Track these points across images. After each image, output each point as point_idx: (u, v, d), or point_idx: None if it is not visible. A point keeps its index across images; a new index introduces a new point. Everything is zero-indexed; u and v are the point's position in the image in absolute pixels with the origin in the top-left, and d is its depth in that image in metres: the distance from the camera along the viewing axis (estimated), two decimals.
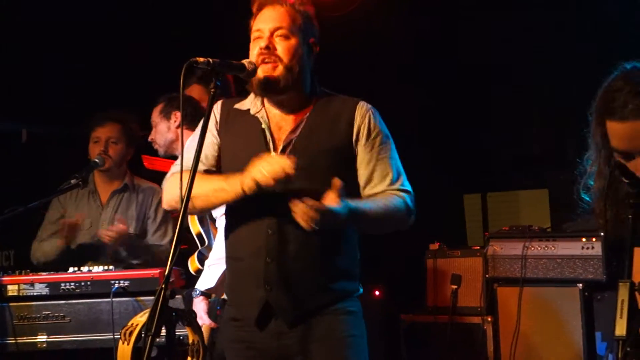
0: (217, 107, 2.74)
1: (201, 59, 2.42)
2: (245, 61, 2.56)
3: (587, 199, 2.14)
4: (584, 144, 5.10)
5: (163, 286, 2.19)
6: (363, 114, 2.61)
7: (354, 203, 2.47)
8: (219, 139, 2.70)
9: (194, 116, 3.97)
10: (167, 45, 5.28)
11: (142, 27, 5.37)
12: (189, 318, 2.39)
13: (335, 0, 5.41)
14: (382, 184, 2.60)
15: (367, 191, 2.61)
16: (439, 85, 5.56)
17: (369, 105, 2.66)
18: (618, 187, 1.99)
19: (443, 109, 5.60)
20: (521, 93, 5.39)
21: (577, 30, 5.16)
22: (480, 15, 5.41)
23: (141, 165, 4.45)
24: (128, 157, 4.49)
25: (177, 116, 3.97)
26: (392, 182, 2.60)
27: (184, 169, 2.30)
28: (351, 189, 2.56)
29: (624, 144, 1.94)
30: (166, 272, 2.22)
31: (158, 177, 4.61)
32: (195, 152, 2.35)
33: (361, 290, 2.68)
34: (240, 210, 2.62)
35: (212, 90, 2.45)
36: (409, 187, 2.64)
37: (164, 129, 4.02)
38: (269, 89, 2.58)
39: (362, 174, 2.61)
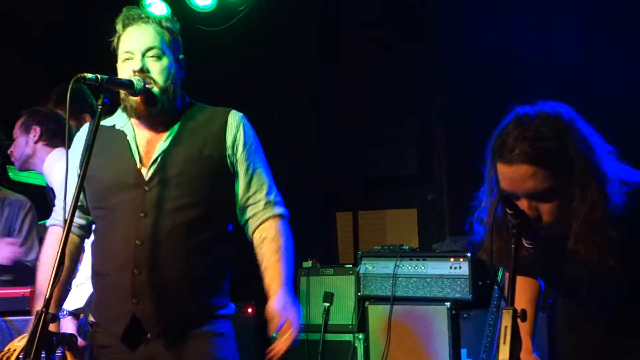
0: (81, 134, 2.66)
1: (89, 75, 2.32)
2: (134, 78, 2.47)
3: (482, 230, 2.21)
4: (451, 166, 5.27)
5: (43, 309, 2.11)
6: (237, 123, 2.59)
7: (280, 283, 2.49)
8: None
9: (55, 132, 3.84)
10: (36, 55, 5.11)
11: (11, 35, 5.18)
12: (70, 342, 2.31)
13: (212, 15, 5.39)
14: (259, 192, 2.58)
15: (246, 202, 2.59)
16: (315, 105, 5.63)
17: (241, 114, 2.63)
18: (506, 220, 2.07)
19: (318, 127, 5.67)
20: (391, 115, 5.53)
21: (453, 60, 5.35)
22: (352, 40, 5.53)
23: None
24: None
25: (36, 131, 3.83)
26: (269, 193, 2.60)
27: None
28: (225, 197, 2.57)
29: (509, 186, 2.04)
30: (47, 294, 2.13)
31: (25, 189, 4.44)
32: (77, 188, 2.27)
33: (232, 308, 2.63)
34: (108, 224, 2.56)
35: (100, 107, 2.36)
36: (279, 197, 2.64)
37: (22, 142, 3.87)
38: (146, 113, 2.53)
39: (240, 183, 2.58)
